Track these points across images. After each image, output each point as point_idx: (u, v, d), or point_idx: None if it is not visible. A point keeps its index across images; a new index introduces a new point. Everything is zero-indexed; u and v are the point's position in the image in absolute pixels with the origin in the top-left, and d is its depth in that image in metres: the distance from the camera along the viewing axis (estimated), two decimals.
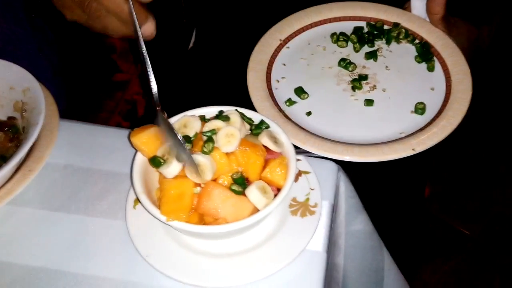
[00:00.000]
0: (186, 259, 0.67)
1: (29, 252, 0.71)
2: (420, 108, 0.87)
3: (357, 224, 0.86)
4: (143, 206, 0.64)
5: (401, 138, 0.82)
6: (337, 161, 0.80)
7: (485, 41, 1.04)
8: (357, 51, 0.97)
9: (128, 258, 0.70)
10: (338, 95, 0.90)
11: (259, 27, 1.00)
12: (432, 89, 0.91)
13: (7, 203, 0.72)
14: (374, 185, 1.00)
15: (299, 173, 0.75)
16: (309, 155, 0.79)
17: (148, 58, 0.67)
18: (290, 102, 0.89)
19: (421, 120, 0.86)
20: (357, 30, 0.99)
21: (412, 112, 0.87)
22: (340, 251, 0.84)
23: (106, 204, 0.75)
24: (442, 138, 0.81)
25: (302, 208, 0.71)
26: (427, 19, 0.99)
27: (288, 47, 0.98)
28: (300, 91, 0.90)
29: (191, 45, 1.33)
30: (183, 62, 1.28)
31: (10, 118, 0.81)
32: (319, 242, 0.71)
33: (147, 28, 0.75)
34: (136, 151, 0.69)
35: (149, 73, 0.67)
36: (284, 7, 1.02)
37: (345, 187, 0.81)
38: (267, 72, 0.93)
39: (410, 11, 1.01)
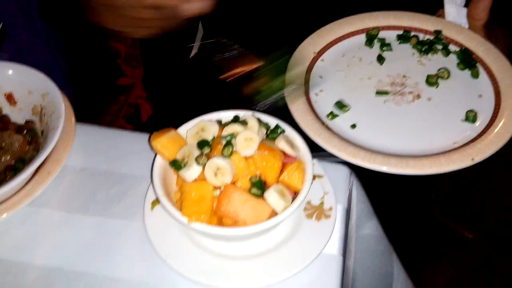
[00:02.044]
0: (204, 261, 0.69)
1: (49, 253, 0.72)
2: (471, 116, 0.83)
3: (367, 229, 0.87)
4: (165, 209, 0.65)
5: (456, 148, 0.79)
6: (349, 166, 0.81)
7: None
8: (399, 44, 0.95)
9: (145, 259, 0.71)
10: (381, 107, 0.87)
11: (264, 30, 1.00)
12: (480, 96, 0.87)
13: (26, 205, 0.73)
14: (383, 190, 1.01)
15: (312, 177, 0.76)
16: (322, 158, 0.79)
17: None
18: (332, 115, 0.85)
19: (474, 128, 0.83)
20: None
21: (463, 120, 0.84)
22: (351, 255, 0.85)
23: (123, 206, 0.76)
24: (500, 146, 0.78)
25: (317, 211, 0.73)
26: (463, 25, 0.95)
27: (322, 60, 0.94)
28: (340, 105, 0.86)
29: (196, 50, 1.34)
30: (186, 67, 1.29)
31: (28, 121, 0.82)
32: (334, 245, 0.72)
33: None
34: (155, 154, 0.70)
35: None
36: (287, 11, 1.03)
37: (357, 191, 0.81)
38: (304, 86, 0.88)
39: (443, 17, 0.97)
